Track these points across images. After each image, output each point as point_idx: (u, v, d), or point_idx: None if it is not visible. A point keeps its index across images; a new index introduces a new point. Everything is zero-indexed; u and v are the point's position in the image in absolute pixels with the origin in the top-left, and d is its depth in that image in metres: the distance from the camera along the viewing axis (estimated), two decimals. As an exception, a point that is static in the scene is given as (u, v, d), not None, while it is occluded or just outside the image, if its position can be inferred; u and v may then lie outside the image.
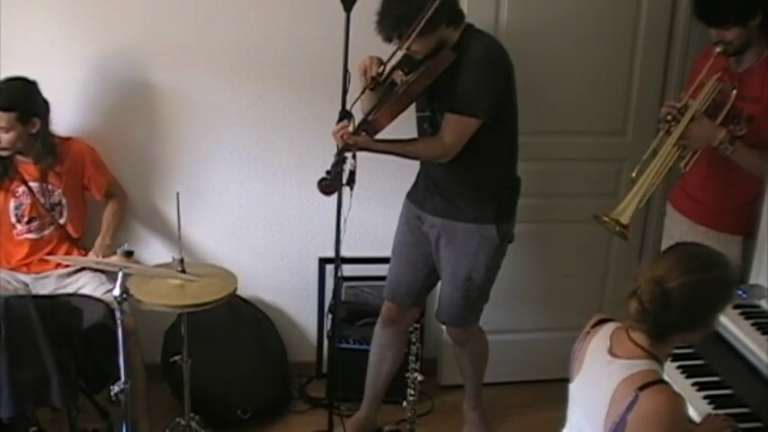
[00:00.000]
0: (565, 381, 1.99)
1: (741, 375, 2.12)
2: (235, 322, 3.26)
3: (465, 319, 2.93)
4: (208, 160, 3.23)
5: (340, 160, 2.48)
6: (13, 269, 2.92)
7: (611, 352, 1.81)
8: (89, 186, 3.02)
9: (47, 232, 2.94)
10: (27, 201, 2.89)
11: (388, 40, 2.50)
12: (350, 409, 3.16)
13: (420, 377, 2.80)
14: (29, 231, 2.91)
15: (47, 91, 2.84)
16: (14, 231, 2.90)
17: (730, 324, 2.23)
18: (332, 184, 2.48)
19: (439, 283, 2.93)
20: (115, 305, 2.34)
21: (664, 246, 3.00)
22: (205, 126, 3.19)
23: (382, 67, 2.53)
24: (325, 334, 3.44)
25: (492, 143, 2.63)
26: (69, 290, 2.90)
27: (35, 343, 2.50)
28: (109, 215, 3.06)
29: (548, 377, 3.38)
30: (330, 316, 3.29)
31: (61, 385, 2.50)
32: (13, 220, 2.90)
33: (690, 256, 1.80)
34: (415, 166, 2.90)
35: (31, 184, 2.88)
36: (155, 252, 3.27)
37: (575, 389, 1.92)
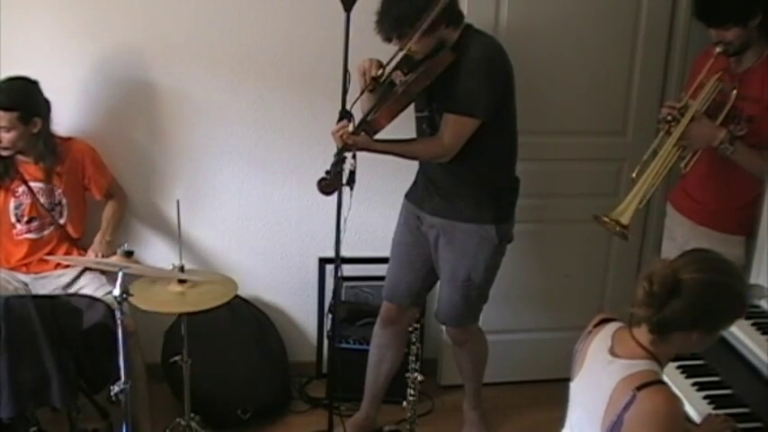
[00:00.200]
0: (565, 381, 1.99)
1: (741, 375, 2.12)
2: (235, 322, 3.26)
3: (464, 319, 2.93)
4: (208, 160, 3.23)
5: (339, 160, 2.48)
6: (12, 269, 2.92)
7: (612, 351, 1.81)
8: (89, 186, 3.02)
9: (47, 232, 2.94)
10: (27, 200, 2.89)
11: (388, 40, 2.50)
12: (350, 409, 3.16)
13: (420, 377, 2.80)
14: (29, 231, 2.91)
15: (47, 91, 2.84)
16: (14, 231, 2.91)
17: (730, 324, 2.23)
18: (331, 183, 2.48)
19: (438, 284, 2.93)
20: (115, 305, 2.34)
21: (664, 246, 3.00)
22: (205, 126, 3.19)
23: (381, 70, 2.53)
24: (325, 334, 3.44)
25: (491, 143, 2.63)
26: (69, 290, 2.90)
27: (35, 343, 2.49)
28: (108, 214, 3.07)
29: (548, 377, 3.39)
30: (330, 316, 3.29)
31: (61, 385, 2.50)
32: (13, 219, 2.90)
33: (710, 258, 1.81)
34: (414, 165, 2.90)
35: (32, 183, 2.88)
36: (155, 253, 3.27)
37: (575, 387, 1.93)
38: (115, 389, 2.40)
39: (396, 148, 2.63)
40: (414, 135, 2.77)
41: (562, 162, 3.32)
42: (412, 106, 2.62)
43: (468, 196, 2.73)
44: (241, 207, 3.31)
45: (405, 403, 2.85)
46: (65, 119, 2.98)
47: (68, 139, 2.97)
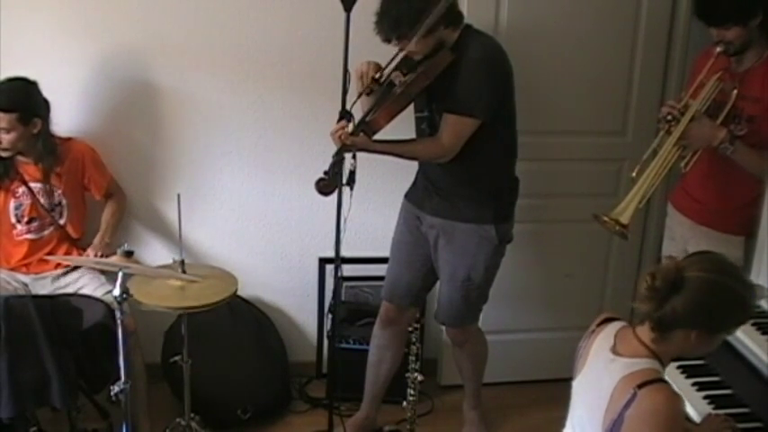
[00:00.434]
0: (565, 381, 2.00)
1: (741, 375, 2.12)
2: (235, 322, 3.26)
3: (464, 319, 2.93)
4: (208, 160, 3.23)
5: (338, 161, 2.48)
6: (12, 269, 2.92)
7: (615, 350, 1.82)
8: (89, 187, 3.02)
9: (46, 232, 2.94)
10: (27, 201, 2.89)
11: (387, 40, 2.50)
12: (350, 409, 3.16)
13: (420, 377, 2.80)
14: (28, 232, 2.91)
15: (47, 91, 2.84)
16: (14, 231, 2.90)
17: (730, 324, 2.22)
18: (330, 184, 2.48)
19: (438, 284, 2.93)
20: (115, 305, 2.34)
21: (664, 246, 3.00)
22: (205, 126, 3.19)
23: (379, 73, 2.54)
24: (325, 334, 3.44)
25: (490, 143, 2.63)
26: (69, 290, 2.90)
27: (35, 343, 2.49)
28: (108, 214, 3.06)
29: (548, 377, 3.39)
30: (330, 316, 3.29)
31: (61, 385, 2.50)
32: (13, 220, 2.90)
33: (718, 260, 1.81)
34: (414, 166, 2.90)
35: (32, 184, 2.88)
36: (155, 252, 3.27)
37: (577, 386, 1.93)
38: (115, 389, 2.40)
39: (395, 148, 2.63)
40: (413, 135, 2.77)
41: (562, 162, 3.32)
42: (411, 106, 2.62)
43: (467, 196, 2.73)
44: (241, 207, 3.31)
45: (405, 403, 2.85)
46: (64, 119, 2.98)
47: (68, 139, 2.97)
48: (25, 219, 2.90)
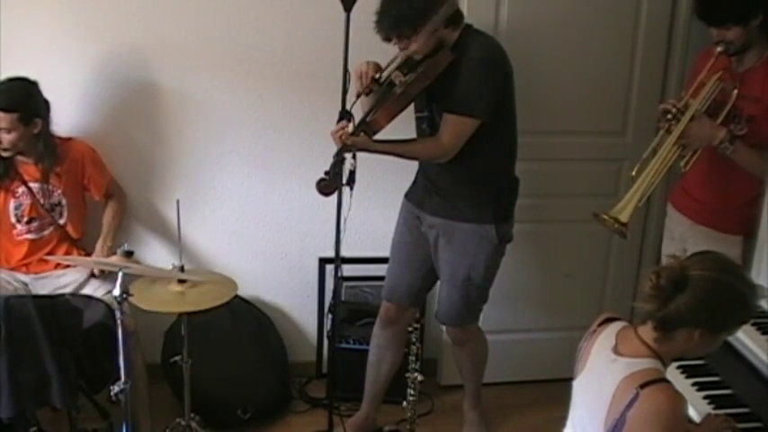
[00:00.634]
0: (565, 380, 2.00)
1: (741, 375, 2.12)
2: (235, 322, 3.25)
3: (464, 319, 2.93)
4: (208, 160, 3.23)
5: (339, 161, 2.48)
6: (12, 269, 2.92)
7: (616, 350, 1.82)
8: (89, 187, 3.02)
9: (46, 232, 2.94)
10: (27, 201, 2.89)
11: (387, 39, 2.50)
12: (350, 409, 3.16)
13: (420, 377, 2.80)
14: (28, 232, 2.91)
15: (47, 91, 2.84)
16: (14, 231, 2.90)
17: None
18: (330, 184, 2.47)
19: (438, 284, 2.93)
20: (115, 305, 2.34)
21: (664, 245, 3.00)
22: (205, 126, 3.19)
23: (379, 74, 2.54)
24: (325, 334, 3.44)
25: (490, 143, 2.63)
26: (69, 290, 2.90)
27: (35, 343, 2.49)
28: (109, 217, 3.06)
29: (548, 377, 3.39)
30: (330, 316, 3.29)
31: (61, 385, 2.50)
32: (13, 220, 2.90)
33: (722, 259, 1.81)
34: (414, 165, 2.90)
35: (31, 184, 2.88)
36: (155, 253, 3.27)
37: (578, 386, 1.93)
38: (115, 389, 2.39)
39: (395, 148, 2.63)
40: (413, 135, 2.77)
41: (562, 162, 3.32)
42: (412, 107, 2.62)
43: (467, 196, 2.73)
44: (241, 207, 3.31)
45: (405, 403, 2.85)
46: (65, 119, 2.98)
47: (68, 139, 2.97)
48: (25, 219, 2.90)
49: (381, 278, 3.05)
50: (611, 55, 3.21)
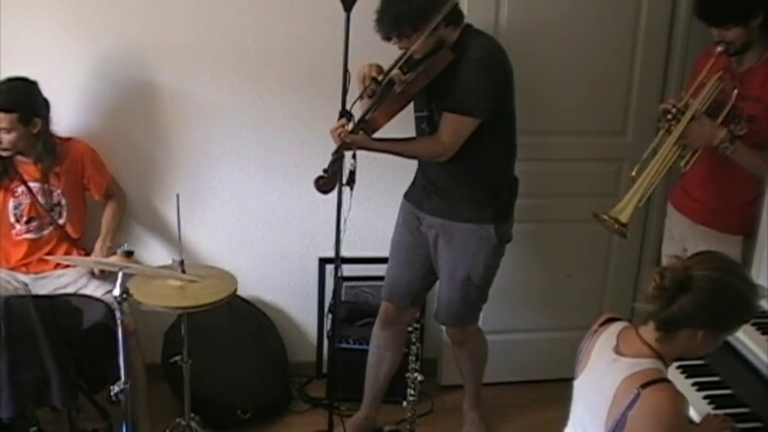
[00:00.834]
0: (565, 380, 2.00)
1: (741, 375, 2.12)
2: (235, 322, 3.26)
3: (464, 319, 2.93)
4: (208, 160, 3.23)
5: (337, 159, 2.48)
6: (12, 269, 2.92)
7: (617, 350, 1.81)
8: (88, 187, 3.02)
9: (46, 232, 2.94)
10: (26, 201, 2.89)
11: (387, 38, 2.50)
12: (350, 409, 3.16)
13: (420, 377, 2.80)
14: (28, 231, 2.91)
15: (47, 91, 2.84)
16: (13, 231, 2.90)
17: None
18: (329, 182, 2.46)
19: (437, 284, 2.93)
20: (115, 305, 2.34)
21: (664, 245, 3.00)
22: (205, 126, 3.19)
23: (381, 76, 2.54)
24: (325, 334, 3.44)
25: (490, 143, 2.63)
26: (69, 290, 2.90)
27: (35, 343, 2.49)
28: (108, 217, 3.06)
29: (548, 377, 3.39)
30: (330, 316, 3.29)
31: (61, 385, 2.50)
32: (12, 220, 2.90)
33: (724, 259, 1.82)
34: (414, 165, 2.90)
35: (31, 184, 2.88)
36: (154, 253, 3.27)
37: (579, 386, 1.93)
38: (115, 389, 2.40)
39: (394, 147, 2.63)
40: (413, 134, 2.77)
41: (562, 162, 3.32)
42: (411, 106, 2.62)
43: (467, 196, 2.73)
44: (241, 207, 3.31)
45: (405, 403, 2.85)
46: (64, 119, 2.98)
47: (68, 139, 2.97)
48: (24, 218, 2.90)
49: (381, 278, 3.05)
50: (611, 55, 3.21)
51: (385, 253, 3.03)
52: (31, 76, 2.80)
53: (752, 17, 2.46)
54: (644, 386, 1.68)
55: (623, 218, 2.45)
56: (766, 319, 2.21)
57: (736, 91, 2.53)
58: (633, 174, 2.53)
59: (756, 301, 1.84)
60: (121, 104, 3.12)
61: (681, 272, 1.72)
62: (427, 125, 2.70)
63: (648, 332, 1.78)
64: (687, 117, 2.50)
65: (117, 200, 3.11)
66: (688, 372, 2.20)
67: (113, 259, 2.79)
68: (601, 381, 1.80)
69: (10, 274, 2.91)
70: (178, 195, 2.64)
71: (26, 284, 2.92)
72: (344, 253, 2.73)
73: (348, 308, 3.40)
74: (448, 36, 2.56)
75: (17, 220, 2.90)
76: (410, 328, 2.76)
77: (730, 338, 2.16)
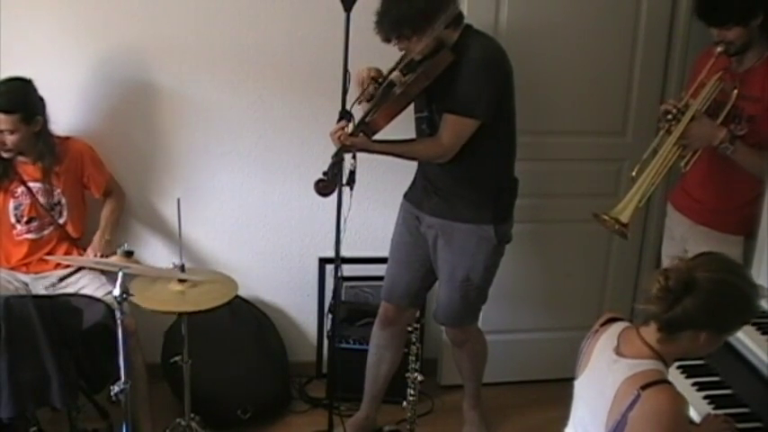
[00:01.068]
0: (565, 381, 2.00)
1: (741, 375, 2.12)
2: (235, 322, 3.25)
3: (463, 319, 2.93)
4: (207, 160, 3.23)
5: (337, 161, 2.48)
6: (12, 269, 2.92)
7: (618, 351, 1.82)
8: (88, 185, 3.02)
9: (46, 232, 2.94)
10: (26, 201, 2.89)
11: (387, 40, 2.50)
12: (350, 409, 3.16)
13: (420, 377, 2.80)
14: (28, 231, 2.91)
15: (46, 90, 2.84)
16: (14, 231, 2.90)
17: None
18: (329, 185, 2.47)
19: (437, 284, 2.93)
20: (115, 305, 2.34)
21: (664, 246, 3.00)
22: (205, 126, 3.19)
23: (381, 79, 2.54)
24: (325, 334, 3.44)
25: (490, 144, 2.63)
26: (69, 290, 2.90)
27: (35, 343, 2.49)
28: (107, 212, 3.06)
29: (548, 377, 3.39)
30: (330, 316, 3.29)
31: (61, 385, 2.49)
32: (13, 220, 2.90)
33: (727, 261, 1.82)
34: (414, 166, 2.90)
35: (30, 184, 2.88)
36: (155, 252, 3.27)
37: (579, 386, 1.93)
38: (115, 389, 2.39)
39: (395, 148, 2.63)
40: (413, 135, 2.77)
41: (562, 162, 3.32)
42: (411, 107, 2.62)
43: (466, 196, 2.73)
44: (241, 207, 3.31)
45: (405, 403, 2.85)
46: (64, 119, 2.98)
47: (67, 138, 2.97)
48: (25, 218, 2.90)
49: (381, 278, 3.05)
50: (611, 55, 3.21)
51: (385, 253, 3.03)
52: (32, 76, 2.80)
53: (752, 17, 2.46)
54: (644, 387, 1.68)
55: (624, 218, 2.45)
56: (766, 319, 2.21)
57: (736, 91, 2.53)
58: (633, 174, 2.53)
59: (758, 301, 1.84)
60: (121, 104, 3.12)
61: (685, 273, 1.72)
62: (427, 126, 2.70)
63: (650, 333, 1.78)
64: (687, 117, 2.50)
65: (116, 197, 3.11)
66: (688, 372, 2.20)
67: (113, 259, 2.78)
68: (601, 381, 1.80)
69: (10, 274, 2.91)
70: (179, 200, 2.64)
71: (26, 284, 2.92)
72: (344, 253, 2.73)
73: (348, 308, 3.40)
74: (448, 37, 2.56)
75: (18, 221, 2.90)
76: (410, 329, 2.76)
77: (731, 339, 2.16)
